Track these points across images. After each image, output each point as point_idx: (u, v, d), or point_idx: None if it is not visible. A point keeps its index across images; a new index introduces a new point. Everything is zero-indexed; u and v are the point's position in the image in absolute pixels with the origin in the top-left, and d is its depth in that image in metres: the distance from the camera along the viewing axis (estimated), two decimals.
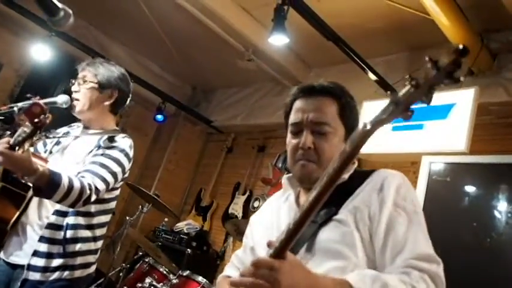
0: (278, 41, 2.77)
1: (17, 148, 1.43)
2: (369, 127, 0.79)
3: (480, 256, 2.40)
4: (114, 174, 1.74)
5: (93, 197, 1.65)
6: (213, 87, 5.75)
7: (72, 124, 2.05)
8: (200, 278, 2.50)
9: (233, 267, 1.34)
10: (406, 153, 3.02)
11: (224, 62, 4.72)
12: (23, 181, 1.72)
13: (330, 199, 1.09)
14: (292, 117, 1.22)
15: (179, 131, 5.74)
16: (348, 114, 1.20)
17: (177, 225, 4.81)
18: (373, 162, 3.71)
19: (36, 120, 1.43)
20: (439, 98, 2.96)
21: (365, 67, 3.27)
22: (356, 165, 1.22)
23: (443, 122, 2.84)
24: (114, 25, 4.76)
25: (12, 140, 1.45)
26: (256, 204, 4.22)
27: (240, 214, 4.66)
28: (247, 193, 4.80)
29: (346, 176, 1.15)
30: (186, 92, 5.91)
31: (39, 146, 1.96)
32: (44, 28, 4.24)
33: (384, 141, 3.16)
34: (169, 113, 5.44)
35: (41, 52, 4.11)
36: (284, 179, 1.28)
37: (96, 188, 1.66)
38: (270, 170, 4.60)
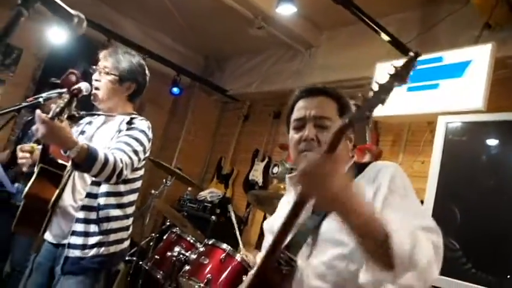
0: (285, 10, 2.76)
1: (56, 119, 1.50)
2: (337, 128, 0.94)
3: (498, 211, 2.44)
4: (136, 153, 1.83)
5: (125, 172, 1.74)
6: (226, 56, 5.74)
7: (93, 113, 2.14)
8: (225, 245, 2.63)
9: None
10: (422, 113, 3.02)
11: (235, 30, 4.68)
12: (60, 161, 1.79)
13: None
14: (295, 114, 1.31)
15: (195, 102, 5.81)
16: (347, 112, 1.27)
17: (200, 193, 4.96)
18: (390, 124, 3.73)
19: (73, 88, 1.50)
20: (455, 55, 2.92)
21: (376, 28, 3.21)
22: (355, 158, 1.31)
23: (459, 80, 2.81)
24: (124, 1, 4.75)
25: (50, 113, 1.52)
26: (275, 170, 4.30)
27: (260, 180, 4.77)
28: (266, 159, 4.89)
29: (345, 170, 1.22)
30: (199, 62, 5.92)
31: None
32: None
33: (399, 103, 3.15)
34: (184, 84, 5.49)
35: (56, 35, 4.19)
36: (286, 179, 1.36)
37: (126, 163, 1.75)
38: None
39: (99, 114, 2.02)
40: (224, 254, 2.58)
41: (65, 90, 1.73)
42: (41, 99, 1.77)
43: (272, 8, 3.53)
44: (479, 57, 2.75)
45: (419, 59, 0.94)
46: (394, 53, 3.52)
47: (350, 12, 3.13)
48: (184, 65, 5.43)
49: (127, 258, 3.35)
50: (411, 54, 0.97)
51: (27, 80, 4.81)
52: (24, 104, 1.91)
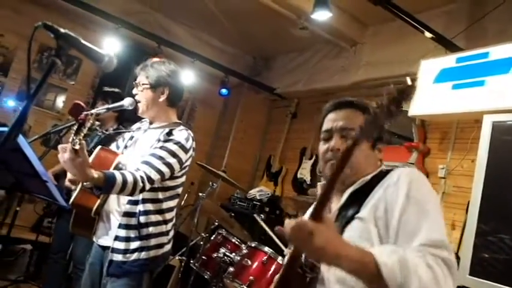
0: (321, 16, 2.76)
1: (76, 151, 1.64)
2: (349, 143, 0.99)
3: None
4: (169, 165, 1.96)
5: (147, 186, 1.88)
6: (273, 55, 5.82)
7: (143, 120, 2.31)
8: (266, 248, 2.71)
9: None
10: (468, 112, 2.91)
11: (280, 30, 4.75)
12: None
13: (353, 199, 1.24)
14: (324, 126, 1.36)
15: (244, 101, 5.95)
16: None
17: (250, 192, 5.09)
18: (437, 122, 3.62)
19: (79, 117, 1.65)
20: (501, 51, 2.78)
21: (418, 26, 3.12)
22: (382, 167, 1.32)
23: (506, 77, 2.67)
24: (174, 7, 4.96)
25: (75, 145, 1.66)
26: None
27: (308, 178, 4.81)
28: (314, 157, 4.91)
29: (368, 177, 1.26)
30: (248, 62, 6.04)
31: (120, 141, 2.27)
32: (110, 21, 4.58)
33: (445, 101, 3.06)
34: (233, 84, 5.64)
35: (111, 43, 4.48)
36: (318, 187, 1.41)
37: (149, 178, 1.88)
38: None
39: (128, 131, 2.18)
40: (266, 257, 2.67)
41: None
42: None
43: None
44: None
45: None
46: (440, 48, 3.41)
47: (389, 12, 3.07)
48: (234, 65, 5.58)
49: (178, 257, 3.56)
50: (409, 82, 0.99)
51: (86, 88, 5.22)
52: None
